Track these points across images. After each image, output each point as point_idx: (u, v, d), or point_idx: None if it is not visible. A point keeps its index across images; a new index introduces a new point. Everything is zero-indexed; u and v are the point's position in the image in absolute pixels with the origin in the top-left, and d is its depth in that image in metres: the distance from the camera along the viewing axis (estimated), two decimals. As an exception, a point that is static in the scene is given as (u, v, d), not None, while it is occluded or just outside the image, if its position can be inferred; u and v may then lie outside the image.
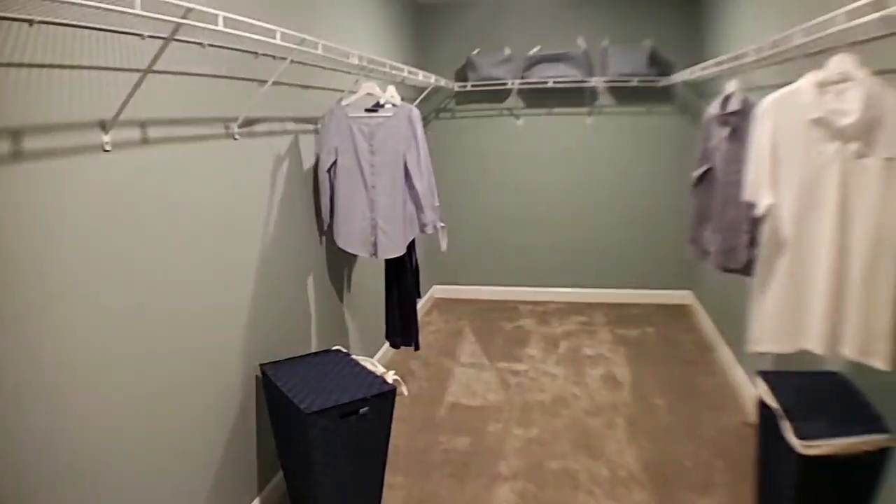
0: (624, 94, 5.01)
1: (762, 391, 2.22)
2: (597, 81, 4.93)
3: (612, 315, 5.03)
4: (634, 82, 4.82)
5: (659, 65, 4.85)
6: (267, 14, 2.41)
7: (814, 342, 1.84)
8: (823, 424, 1.94)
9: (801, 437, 1.91)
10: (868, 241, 1.73)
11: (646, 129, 5.06)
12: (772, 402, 2.13)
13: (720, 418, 3.33)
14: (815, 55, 2.30)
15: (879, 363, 1.76)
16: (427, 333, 4.67)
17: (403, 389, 2.48)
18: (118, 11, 1.35)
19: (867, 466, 1.95)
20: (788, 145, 1.81)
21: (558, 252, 5.37)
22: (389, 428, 2.38)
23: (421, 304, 5.04)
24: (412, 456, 3.02)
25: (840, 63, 1.78)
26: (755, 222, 1.94)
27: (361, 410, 2.21)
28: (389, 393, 2.31)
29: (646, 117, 5.03)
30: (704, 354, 4.21)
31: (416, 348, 3.48)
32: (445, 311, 5.24)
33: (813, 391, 2.16)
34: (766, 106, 1.84)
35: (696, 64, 3.98)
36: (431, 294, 5.51)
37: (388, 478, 2.72)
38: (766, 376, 2.27)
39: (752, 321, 1.93)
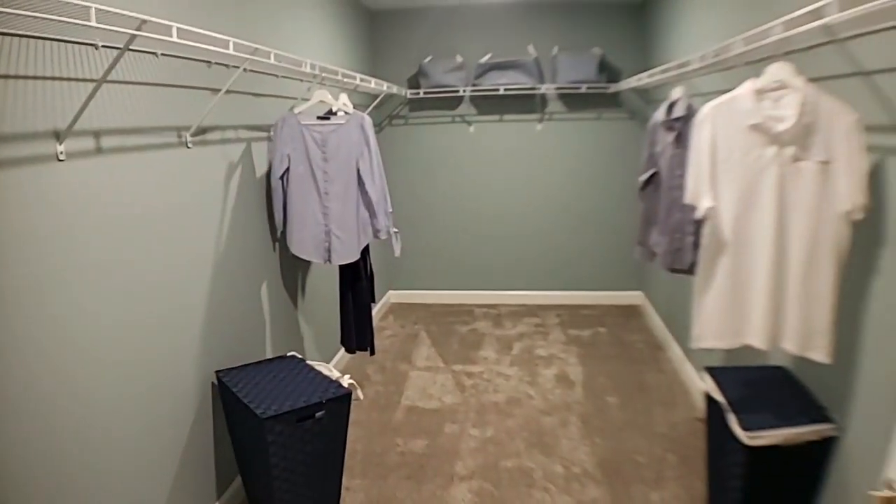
0: (574, 101, 5.13)
1: (709, 386, 2.31)
2: (547, 88, 5.03)
3: (565, 316, 5.13)
4: (584, 89, 4.93)
5: (608, 72, 4.98)
6: (221, 23, 2.42)
7: (755, 338, 1.93)
8: (768, 416, 2.03)
9: (745, 428, 2.00)
10: (805, 240, 1.82)
11: (595, 135, 5.18)
12: (718, 396, 2.21)
13: (671, 414, 3.43)
14: (755, 63, 2.41)
15: (819, 356, 1.85)
16: (383, 338, 4.69)
17: (359, 393, 2.50)
18: (74, 24, 1.36)
19: (812, 456, 2.04)
20: (728, 150, 1.90)
21: (512, 256, 5.46)
22: (346, 431, 2.41)
23: (376, 310, 5.06)
24: (369, 459, 3.04)
25: (777, 71, 1.88)
26: (699, 224, 2.02)
27: (318, 414, 2.23)
28: (345, 397, 2.34)
29: (595, 123, 5.16)
30: (655, 353, 4.32)
31: (372, 353, 3.51)
32: (401, 316, 5.27)
33: (758, 385, 2.25)
34: (706, 112, 1.93)
35: (644, 71, 4.11)
36: (387, 299, 5.53)
37: (346, 481, 2.75)
38: (713, 372, 2.37)
39: (694, 319, 2.02)
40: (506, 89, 4.94)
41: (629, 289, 5.37)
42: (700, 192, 1.91)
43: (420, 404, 3.62)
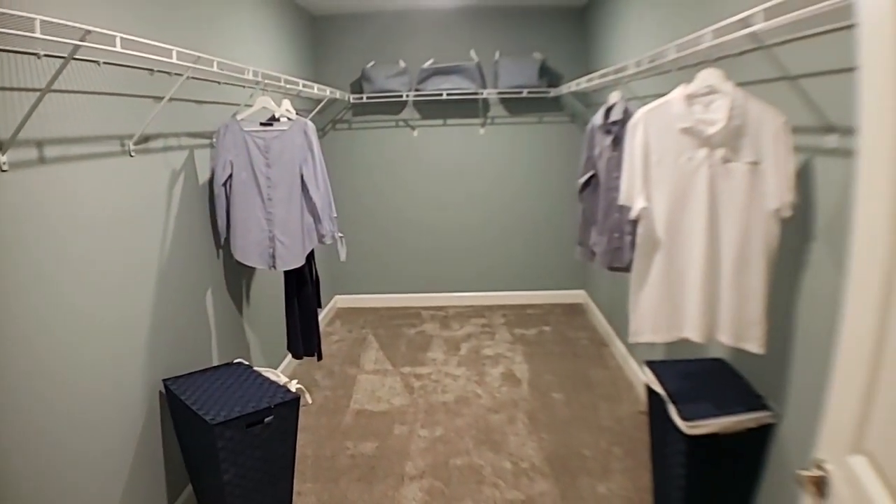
0: (516, 105, 5.23)
1: (649, 379, 2.41)
2: (489, 93, 5.12)
3: (511, 316, 5.22)
4: (525, 93, 5.04)
5: (549, 76, 5.09)
6: (163, 29, 2.41)
7: (691, 332, 2.02)
8: (707, 406, 2.12)
9: (685, 418, 2.08)
10: (736, 237, 1.92)
11: (537, 138, 5.29)
12: (658, 388, 2.31)
13: (616, 408, 3.54)
14: (689, 68, 2.52)
15: (753, 347, 1.96)
16: (330, 343, 4.69)
17: (307, 398, 2.52)
18: (19, 35, 1.36)
19: (750, 442, 2.13)
20: (660, 153, 1.99)
21: (457, 257, 5.52)
22: (295, 436, 2.42)
23: (323, 315, 5.05)
24: (320, 463, 3.05)
25: (707, 77, 1.97)
26: (636, 224, 2.10)
27: (266, 419, 2.24)
28: (293, 401, 2.35)
29: (537, 127, 5.27)
30: (599, 349, 4.45)
31: (319, 358, 3.52)
32: (348, 321, 5.28)
33: (697, 377, 2.35)
34: (639, 117, 2.02)
35: (585, 75, 4.22)
36: (334, 304, 5.53)
37: (297, 485, 2.76)
38: (652, 365, 2.46)
39: (631, 315, 2.11)
40: (448, 94, 5.01)
41: (572, 287, 5.50)
42: (633, 193, 2.00)
43: (369, 407, 3.65)
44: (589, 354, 4.37)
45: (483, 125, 5.29)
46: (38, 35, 1.38)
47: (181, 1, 2.67)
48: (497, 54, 5.04)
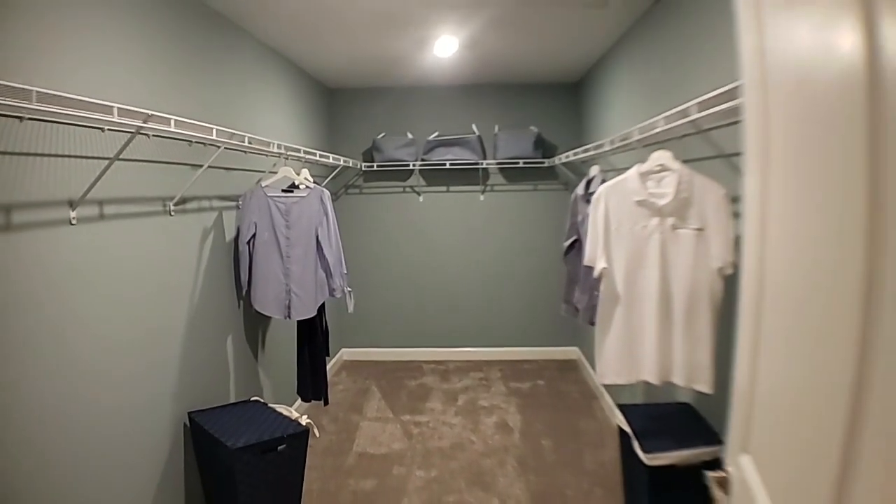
0: (513, 174, 5.66)
1: (620, 420, 2.72)
2: (489, 163, 5.57)
3: (507, 371, 5.52)
4: (522, 163, 5.48)
5: (543, 148, 5.53)
6: (201, 105, 2.84)
7: (648, 375, 2.36)
8: (668, 441, 2.41)
9: (646, 451, 2.38)
10: (685, 292, 2.28)
11: (533, 205, 5.70)
12: (626, 427, 2.62)
13: (600, 454, 3.81)
14: (651, 146, 2.92)
15: (703, 388, 2.28)
16: (336, 392, 4.99)
17: (315, 431, 2.83)
18: (100, 119, 1.76)
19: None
20: (619, 221, 2.37)
21: (458, 315, 5.86)
22: (304, 465, 2.73)
23: (330, 366, 5.36)
24: (324, 497, 3.33)
25: (659, 157, 2.37)
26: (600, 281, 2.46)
27: (280, 448, 2.56)
28: (303, 433, 2.67)
29: (533, 194, 5.69)
30: (589, 402, 4.73)
31: (326, 403, 3.83)
32: (353, 372, 5.58)
33: (663, 418, 2.65)
34: (601, 191, 2.41)
35: (577, 146, 4.66)
36: (340, 357, 5.85)
37: (302, 516, 3.04)
38: (623, 408, 2.77)
39: (597, 360, 2.44)
40: (451, 164, 5.45)
41: (566, 345, 5.80)
42: (596, 255, 2.36)
43: (370, 450, 3.94)
44: (579, 406, 4.65)
45: (483, 192, 5.71)
46: (115, 118, 1.78)
47: (214, 78, 3.12)
48: (496, 128, 5.50)
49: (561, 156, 4.91)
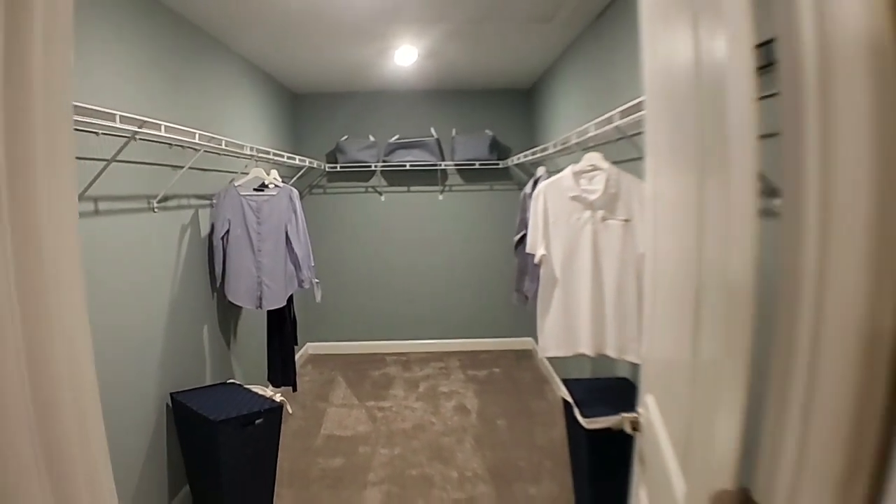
0: (470, 175, 5.99)
1: (564, 392, 3.04)
2: (447, 164, 5.89)
3: (466, 360, 5.84)
4: (478, 165, 5.81)
5: (498, 150, 5.87)
6: (177, 109, 3.09)
7: (585, 348, 2.69)
8: (605, 408, 2.73)
9: (585, 416, 2.72)
10: (615, 275, 2.62)
11: (489, 204, 6.04)
12: (568, 398, 2.94)
13: (550, 431, 4.14)
14: (589, 149, 3.27)
15: (633, 358, 2.62)
16: (303, 383, 5.25)
17: (288, 408, 3.10)
18: (104, 125, 2.02)
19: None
20: (556, 215, 2.70)
21: (419, 309, 6.17)
22: (279, 438, 3.00)
23: (296, 359, 5.61)
24: (296, 474, 3.60)
25: (590, 158, 2.71)
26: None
27: (257, 421, 2.83)
28: (278, 409, 2.94)
29: (488, 193, 6.02)
30: (541, 386, 5.07)
31: (295, 389, 4.10)
32: (319, 365, 5.84)
33: (602, 389, 2.98)
34: (540, 188, 2.75)
35: (529, 149, 4.99)
36: (305, 350, 6.10)
37: (276, 490, 3.29)
38: (567, 382, 3.10)
39: (539, 336, 2.77)
40: (412, 165, 5.76)
41: (522, 335, 6.14)
42: (536, 243, 2.70)
43: (337, 433, 4.21)
44: (532, 390, 4.99)
45: (442, 192, 6.03)
46: (118, 125, 2.04)
47: (190, 85, 3.37)
48: (454, 131, 5.82)
49: (514, 158, 5.26)
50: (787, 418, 0.65)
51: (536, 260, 2.69)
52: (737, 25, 0.73)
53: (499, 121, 5.95)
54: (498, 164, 5.82)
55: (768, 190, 1.19)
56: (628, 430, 1.83)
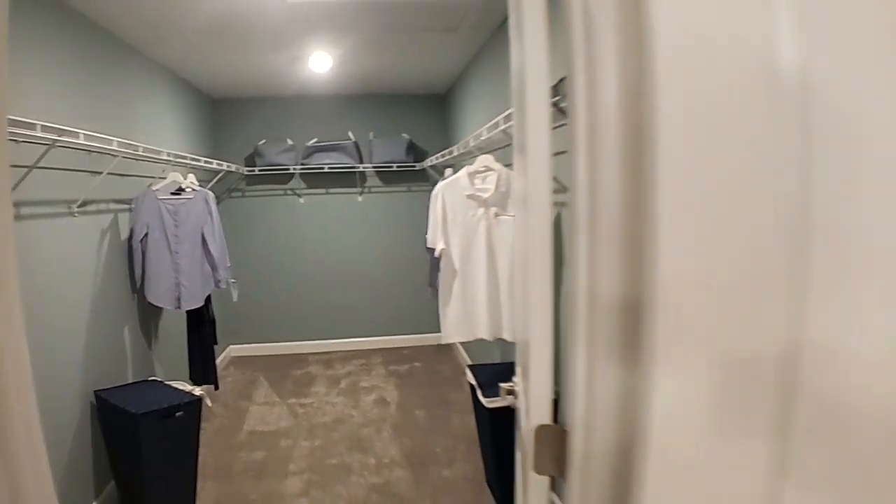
0: (388, 177, 6.20)
1: (469, 377, 3.28)
2: (365, 167, 6.07)
3: (387, 356, 6.04)
4: (395, 167, 6.02)
5: (415, 152, 6.09)
6: (95, 116, 3.18)
7: (483, 333, 2.95)
8: (504, 390, 3.01)
9: (486, 397, 2.96)
10: (507, 265, 2.88)
11: (407, 204, 6.25)
12: (473, 381, 3.19)
13: (465, 419, 4.38)
14: (492, 151, 3.53)
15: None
16: (225, 384, 5.32)
17: (207, 401, 3.24)
18: (24, 134, 2.13)
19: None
20: (453, 211, 2.95)
21: (340, 308, 6.33)
22: (199, 430, 3.13)
23: (218, 361, 5.68)
24: (219, 468, 3.72)
25: (483, 160, 2.98)
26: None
27: (177, 414, 2.95)
28: (197, 402, 3.08)
29: (406, 194, 6.24)
30: (459, 377, 5.31)
31: (216, 387, 4.21)
32: (241, 366, 5.92)
33: (504, 373, 3.20)
34: (438, 188, 3.00)
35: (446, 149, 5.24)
36: (228, 353, 6.16)
37: (201, 483, 3.41)
38: (472, 368, 3.34)
39: (441, 324, 3.01)
40: (330, 167, 5.92)
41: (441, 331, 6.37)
42: (436, 238, 2.94)
43: (259, 428, 4.34)
44: (450, 381, 5.23)
45: (360, 194, 6.21)
46: (38, 133, 2.15)
47: (107, 91, 3.45)
48: (371, 134, 6.01)
49: (430, 160, 5.50)
50: (573, 369, 0.89)
51: (437, 254, 2.93)
52: (537, 75, 0.96)
53: (416, 124, 6.17)
54: (415, 167, 6.04)
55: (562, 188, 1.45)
56: (504, 397, 2.06)
